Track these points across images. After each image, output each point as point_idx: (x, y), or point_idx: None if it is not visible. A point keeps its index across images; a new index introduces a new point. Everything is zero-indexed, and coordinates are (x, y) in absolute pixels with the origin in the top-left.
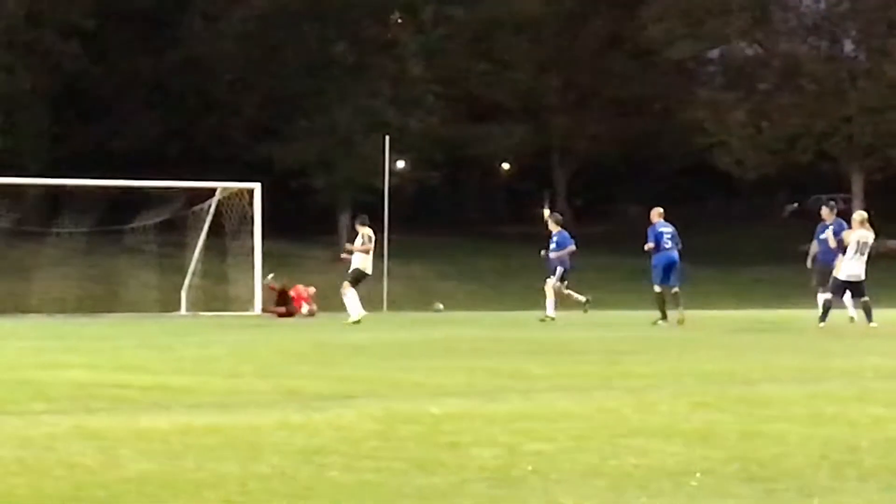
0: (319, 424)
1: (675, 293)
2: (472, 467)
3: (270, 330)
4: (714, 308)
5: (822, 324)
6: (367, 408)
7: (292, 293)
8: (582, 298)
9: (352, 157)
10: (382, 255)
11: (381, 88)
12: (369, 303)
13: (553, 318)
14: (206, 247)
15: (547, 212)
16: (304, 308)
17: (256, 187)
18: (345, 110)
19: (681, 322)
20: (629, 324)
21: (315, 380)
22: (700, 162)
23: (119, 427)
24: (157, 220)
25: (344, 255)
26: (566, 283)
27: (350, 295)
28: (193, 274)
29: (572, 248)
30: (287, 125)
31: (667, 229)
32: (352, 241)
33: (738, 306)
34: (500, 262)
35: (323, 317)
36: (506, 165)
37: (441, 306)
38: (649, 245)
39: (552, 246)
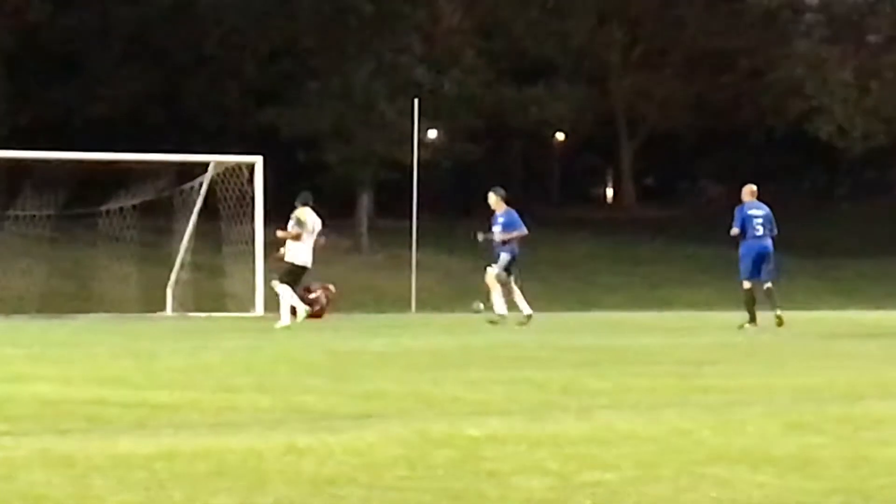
0: (333, 449)
1: (769, 290)
2: (517, 501)
3: (274, 335)
4: (812, 308)
5: None
6: (391, 429)
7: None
8: (526, 311)
9: (373, 125)
10: (410, 245)
11: (408, 43)
12: (395, 302)
13: (504, 317)
14: (197, 234)
15: (495, 194)
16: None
17: (258, 162)
18: (364, 69)
19: (778, 324)
20: (709, 327)
21: (328, 395)
22: (795, 131)
23: (93, 452)
24: (138, 201)
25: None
26: (513, 277)
27: (282, 293)
28: (182, 267)
29: (523, 231)
30: (294, 87)
31: (758, 212)
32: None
33: (841, 306)
34: (552, 252)
35: (338, 319)
36: (560, 136)
37: (481, 306)
38: (735, 230)
39: (496, 228)
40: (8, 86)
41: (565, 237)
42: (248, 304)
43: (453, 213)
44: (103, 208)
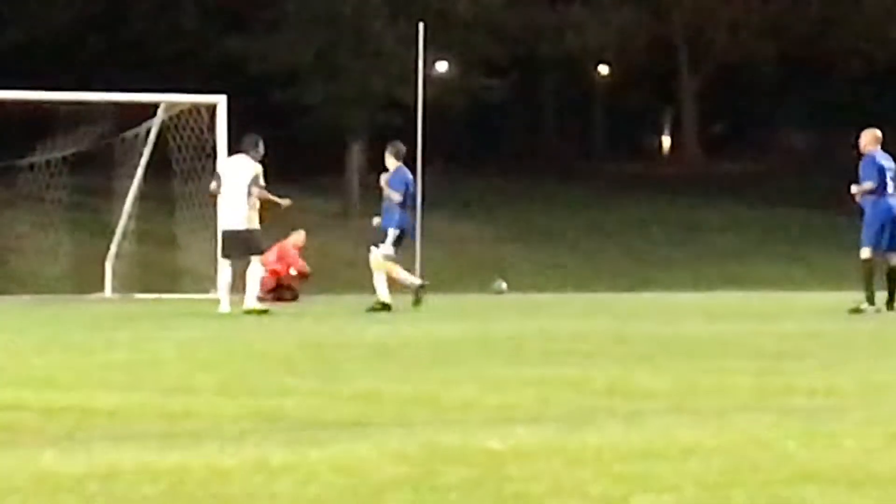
0: (317, 466)
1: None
2: None
3: (242, 322)
4: None
5: None
6: (390, 441)
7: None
8: (415, 281)
9: (367, 56)
10: (415, 206)
11: None
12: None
13: (388, 305)
14: (144, 194)
15: (388, 151)
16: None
17: (221, 101)
18: None
19: (891, 308)
20: (795, 312)
21: (310, 397)
22: (864, 58)
23: (11, 470)
24: (69, 152)
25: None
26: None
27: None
28: (124, 236)
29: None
30: (266, 8)
31: (891, 164)
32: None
33: None
34: (594, 217)
35: (322, 301)
36: (604, 70)
37: (504, 285)
38: (866, 186)
39: (391, 194)
40: None
41: (611, 198)
42: (208, 283)
43: (468, 168)
44: (24, 161)
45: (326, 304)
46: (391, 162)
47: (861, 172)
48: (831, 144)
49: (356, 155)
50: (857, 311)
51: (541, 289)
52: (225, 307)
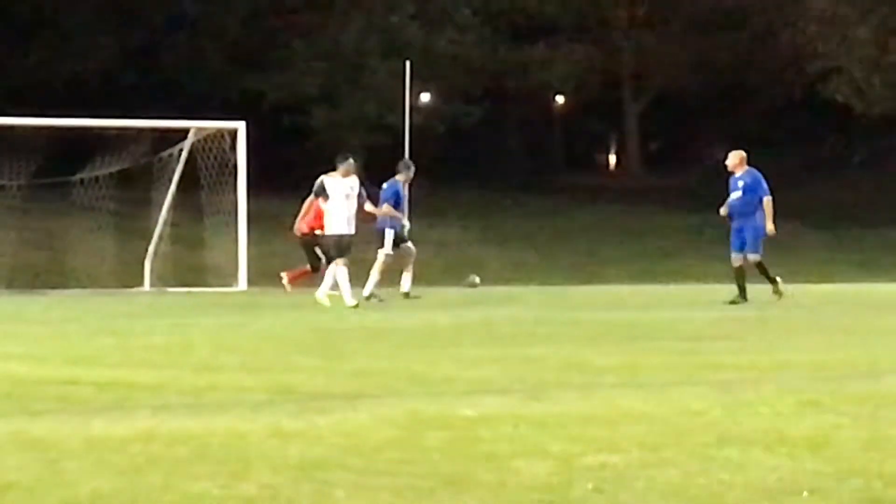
0: (322, 431)
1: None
2: (517, 486)
3: (260, 311)
4: (829, 280)
5: None
6: (382, 410)
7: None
8: (367, 292)
9: (363, 87)
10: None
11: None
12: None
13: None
14: (177, 204)
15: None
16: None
17: (240, 127)
18: (354, 28)
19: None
20: (720, 301)
21: (316, 374)
22: (810, 94)
23: (67, 434)
24: (114, 169)
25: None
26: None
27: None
28: (160, 239)
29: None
30: (280, 48)
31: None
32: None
33: (859, 278)
34: (553, 221)
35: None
36: (561, 99)
37: (478, 280)
38: (729, 198)
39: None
40: None
41: (567, 207)
42: (231, 279)
43: (448, 181)
44: (77, 177)
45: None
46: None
47: (749, 191)
48: (750, 161)
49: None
50: (734, 302)
51: (508, 283)
52: (349, 299)
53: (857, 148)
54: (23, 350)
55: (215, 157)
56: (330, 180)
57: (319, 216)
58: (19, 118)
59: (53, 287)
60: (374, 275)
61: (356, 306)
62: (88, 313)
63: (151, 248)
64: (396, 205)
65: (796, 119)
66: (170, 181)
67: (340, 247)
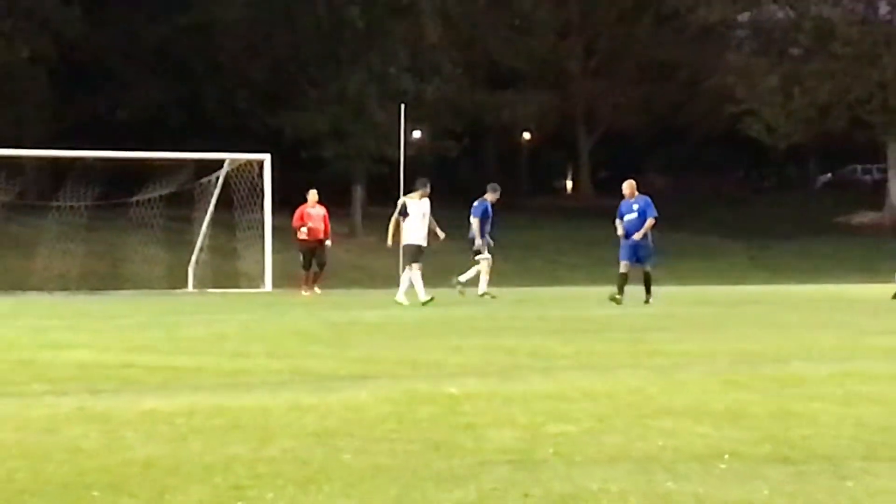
0: (332, 406)
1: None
2: (491, 450)
3: (281, 308)
4: (744, 283)
5: None
6: (382, 388)
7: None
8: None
9: (365, 126)
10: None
11: (396, 54)
12: (385, 279)
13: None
14: (214, 221)
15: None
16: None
17: (266, 158)
18: (358, 77)
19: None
20: (657, 300)
21: (328, 360)
22: (729, 131)
23: (123, 409)
24: (163, 192)
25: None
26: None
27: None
28: (201, 249)
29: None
30: (297, 93)
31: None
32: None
33: (769, 281)
34: (522, 236)
35: (334, 294)
36: (527, 135)
37: (459, 283)
38: (650, 223)
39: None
40: (52, 94)
41: (533, 223)
42: (258, 282)
43: (436, 203)
44: (133, 199)
45: (338, 296)
46: (631, 190)
47: (641, 213)
48: (683, 186)
49: (358, 194)
50: (614, 299)
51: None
52: (422, 296)
53: (767, 175)
54: (88, 340)
55: (246, 183)
56: (410, 201)
57: (326, 225)
58: (87, 151)
59: (113, 289)
60: (484, 276)
61: (430, 300)
62: (141, 310)
63: (193, 257)
64: (484, 220)
65: (718, 152)
66: (208, 202)
67: (416, 255)
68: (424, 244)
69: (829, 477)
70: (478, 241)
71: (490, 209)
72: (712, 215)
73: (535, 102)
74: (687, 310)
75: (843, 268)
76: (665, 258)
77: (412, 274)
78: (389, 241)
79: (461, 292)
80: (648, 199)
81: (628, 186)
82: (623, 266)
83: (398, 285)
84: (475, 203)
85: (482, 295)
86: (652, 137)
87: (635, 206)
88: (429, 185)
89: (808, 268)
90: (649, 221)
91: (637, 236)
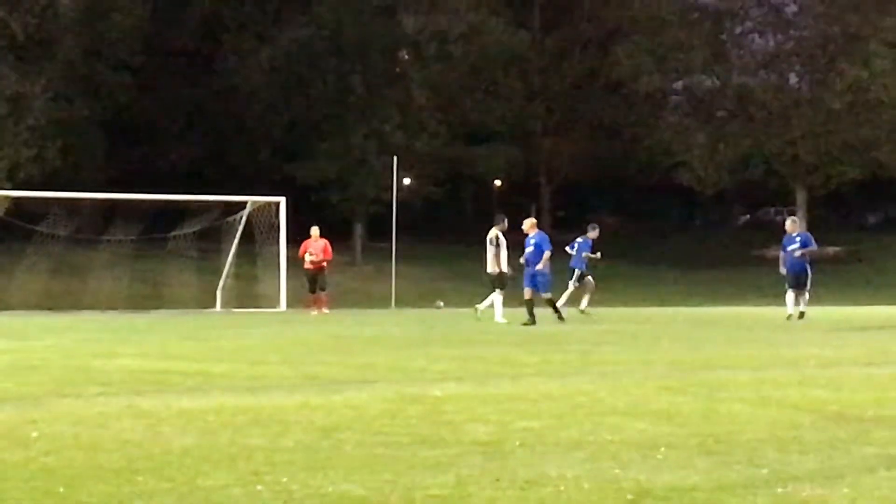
0: (336, 405)
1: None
2: (468, 442)
3: (294, 325)
4: (678, 305)
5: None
6: (378, 391)
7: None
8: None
9: (365, 174)
10: (391, 260)
11: (390, 115)
12: (381, 301)
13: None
14: (239, 252)
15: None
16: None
17: (282, 201)
18: (359, 134)
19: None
20: (605, 319)
21: (333, 367)
22: (665, 179)
23: (163, 407)
24: (196, 229)
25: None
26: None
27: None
28: (227, 276)
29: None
30: (309, 147)
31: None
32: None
33: (698, 304)
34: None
35: (338, 313)
36: (498, 182)
37: (441, 304)
38: (547, 255)
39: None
40: (105, 146)
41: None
42: (275, 303)
43: (424, 237)
44: (171, 234)
45: (341, 315)
46: (530, 227)
47: (538, 247)
48: (628, 225)
49: (358, 231)
50: (526, 324)
51: (464, 306)
52: (500, 319)
53: (697, 216)
54: (133, 350)
55: (265, 221)
56: (501, 235)
57: (327, 254)
58: (132, 194)
59: (154, 308)
60: (587, 296)
61: (506, 324)
62: (178, 326)
63: (221, 282)
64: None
65: (657, 196)
66: (234, 236)
67: (504, 281)
68: (508, 272)
69: (747, 466)
70: (579, 270)
71: (591, 244)
72: (652, 249)
73: (504, 155)
74: (629, 327)
75: (759, 293)
76: (642, 285)
77: (496, 297)
78: (496, 268)
79: (479, 318)
80: (545, 236)
81: (528, 223)
82: (526, 293)
83: (391, 305)
84: (579, 239)
85: (582, 311)
86: (601, 184)
87: (532, 241)
88: (505, 221)
89: (731, 293)
90: (546, 254)
91: (538, 267)
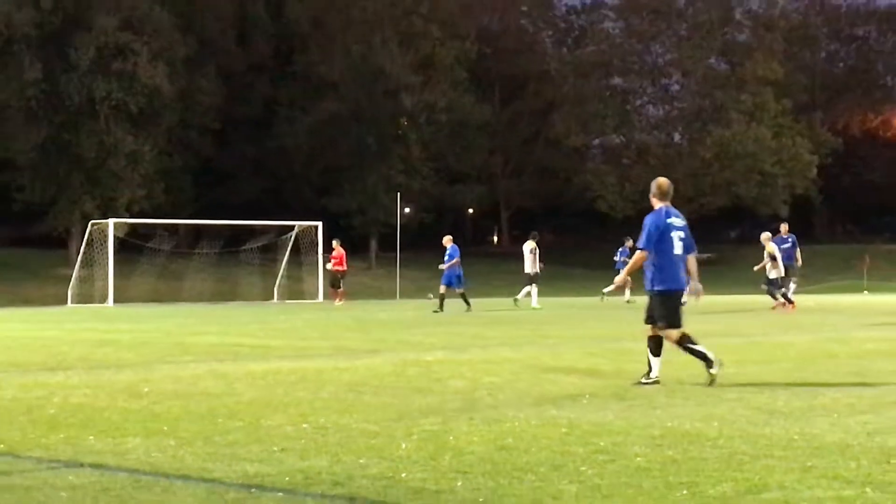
0: (358, 367)
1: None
2: (450, 392)
3: (328, 311)
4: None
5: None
6: (387, 357)
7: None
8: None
9: (377, 206)
10: (396, 266)
11: (394, 164)
12: (389, 294)
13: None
14: (289, 261)
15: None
16: (329, 264)
17: (319, 225)
18: (372, 177)
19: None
20: (550, 306)
21: (356, 340)
22: (588, 208)
23: (235, 370)
24: (259, 245)
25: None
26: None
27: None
28: (281, 277)
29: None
30: (338, 187)
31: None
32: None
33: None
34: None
35: (359, 304)
36: (471, 210)
37: (431, 295)
38: (454, 261)
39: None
40: (195, 187)
41: (476, 263)
42: (315, 296)
43: (418, 250)
44: (241, 248)
45: (361, 304)
46: (447, 241)
47: (451, 256)
48: (564, 240)
49: (373, 245)
50: (435, 311)
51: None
52: (535, 304)
53: (608, 235)
54: (215, 330)
55: (307, 239)
56: (536, 245)
57: (341, 261)
58: (213, 220)
59: (230, 300)
60: (628, 290)
61: (540, 309)
62: (246, 313)
63: (277, 282)
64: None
65: (583, 220)
66: (286, 250)
67: (538, 277)
68: (530, 272)
69: (646, 408)
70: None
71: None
72: (579, 257)
73: (475, 192)
74: (564, 311)
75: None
76: (545, 282)
77: (533, 289)
78: (534, 268)
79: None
80: (456, 247)
81: (446, 239)
82: (441, 288)
83: (396, 297)
84: (620, 249)
85: (628, 301)
86: (545, 211)
87: (448, 252)
88: (537, 235)
89: (635, 287)
90: (455, 259)
91: (443, 267)
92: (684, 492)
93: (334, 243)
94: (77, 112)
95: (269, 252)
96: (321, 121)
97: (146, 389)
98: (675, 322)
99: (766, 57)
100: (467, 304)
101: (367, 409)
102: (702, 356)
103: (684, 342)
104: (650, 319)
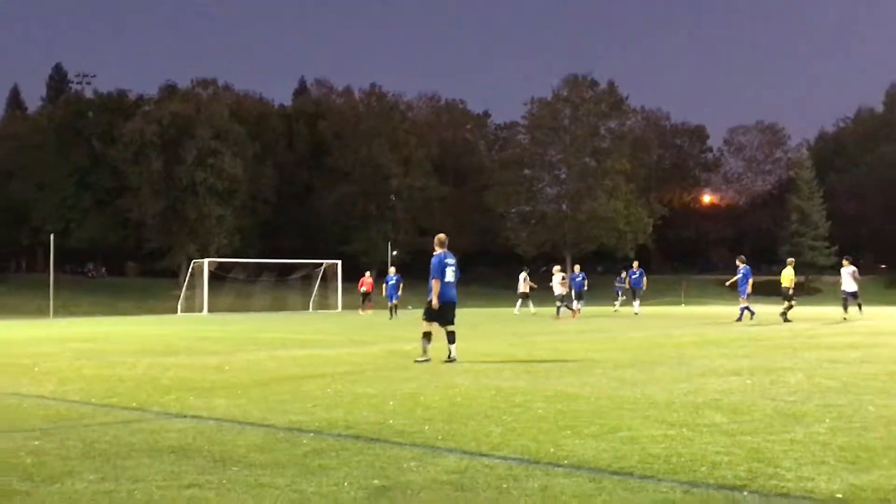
0: (363, 354)
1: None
2: (421, 370)
3: (345, 318)
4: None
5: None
6: (383, 347)
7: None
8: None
9: (377, 250)
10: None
11: (387, 224)
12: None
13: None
14: (319, 286)
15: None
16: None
17: (339, 263)
18: (372, 232)
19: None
20: (525, 320)
21: (363, 335)
22: (508, 251)
23: (287, 355)
24: (300, 275)
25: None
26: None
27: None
28: (314, 296)
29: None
30: (351, 238)
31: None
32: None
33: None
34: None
35: (376, 312)
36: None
37: (410, 307)
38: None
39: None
40: (258, 240)
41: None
42: (335, 308)
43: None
44: (289, 277)
45: (376, 313)
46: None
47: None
48: (497, 272)
49: (373, 273)
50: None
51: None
52: (560, 317)
53: (521, 267)
54: (272, 329)
55: (330, 272)
56: (560, 273)
57: (368, 285)
58: (272, 259)
59: (281, 311)
60: (637, 301)
61: (534, 313)
62: (293, 319)
63: (311, 299)
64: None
65: (504, 257)
66: (317, 278)
67: (565, 298)
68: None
69: (544, 378)
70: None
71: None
72: (501, 282)
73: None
74: (493, 317)
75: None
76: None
77: (563, 308)
78: (563, 290)
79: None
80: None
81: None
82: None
83: (398, 311)
84: (629, 270)
85: (636, 313)
86: (476, 252)
87: (394, 279)
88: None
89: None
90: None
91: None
92: (568, 432)
93: (367, 273)
94: (184, 190)
95: (307, 280)
96: (340, 196)
97: (227, 367)
98: (440, 321)
99: (619, 157)
100: (393, 314)
101: (368, 379)
102: (425, 345)
103: (429, 335)
104: (441, 320)
